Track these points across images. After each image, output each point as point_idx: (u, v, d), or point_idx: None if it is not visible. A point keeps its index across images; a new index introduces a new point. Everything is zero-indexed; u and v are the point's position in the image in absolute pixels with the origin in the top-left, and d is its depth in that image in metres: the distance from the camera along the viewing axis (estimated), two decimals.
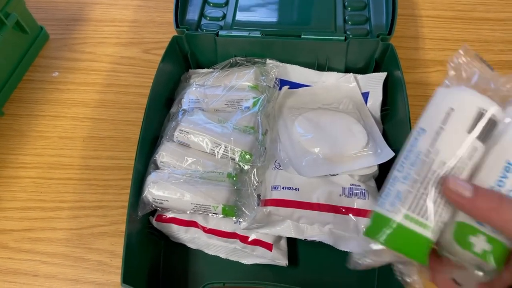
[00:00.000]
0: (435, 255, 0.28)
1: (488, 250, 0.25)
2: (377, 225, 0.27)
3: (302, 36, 0.58)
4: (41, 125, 0.64)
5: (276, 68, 0.58)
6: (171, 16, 0.61)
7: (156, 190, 0.47)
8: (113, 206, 0.56)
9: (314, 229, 0.46)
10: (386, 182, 0.28)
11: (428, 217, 0.26)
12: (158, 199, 0.47)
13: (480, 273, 0.26)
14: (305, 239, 0.46)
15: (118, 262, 0.52)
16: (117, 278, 0.51)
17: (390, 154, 0.49)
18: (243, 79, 0.56)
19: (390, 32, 0.57)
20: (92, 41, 0.73)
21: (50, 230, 0.55)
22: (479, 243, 0.26)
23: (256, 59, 0.59)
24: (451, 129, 0.26)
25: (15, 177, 0.59)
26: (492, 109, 0.26)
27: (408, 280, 0.27)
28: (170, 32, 0.61)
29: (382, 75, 0.56)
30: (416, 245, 0.26)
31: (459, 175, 0.26)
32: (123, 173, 0.58)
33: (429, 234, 0.26)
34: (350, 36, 0.58)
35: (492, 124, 0.26)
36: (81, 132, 0.63)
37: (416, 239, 0.26)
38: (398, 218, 0.26)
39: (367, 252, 0.27)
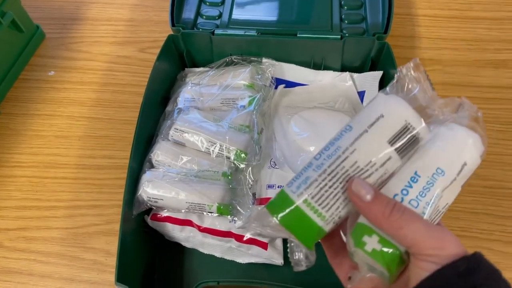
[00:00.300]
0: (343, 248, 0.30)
1: (377, 250, 0.26)
2: (279, 202, 0.28)
3: (298, 35, 0.58)
4: (37, 124, 0.64)
5: (272, 67, 0.58)
6: (167, 15, 0.61)
7: (150, 189, 0.47)
8: (108, 205, 0.56)
9: None
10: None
11: (325, 208, 0.27)
12: (152, 198, 0.47)
13: (370, 274, 0.27)
14: None
15: (113, 261, 0.51)
16: (112, 277, 0.51)
17: None
18: (238, 78, 0.56)
19: (386, 31, 0.57)
20: (88, 40, 0.72)
21: (45, 229, 0.55)
22: (371, 243, 0.27)
23: (252, 58, 0.59)
24: (374, 134, 0.27)
25: (11, 176, 0.59)
26: (419, 127, 0.27)
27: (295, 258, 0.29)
28: (166, 31, 0.61)
29: (378, 74, 0.56)
30: (307, 229, 0.27)
31: (366, 178, 0.27)
32: (119, 172, 0.58)
33: (321, 223, 0.27)
34: (346, 34, 0.58)
35: (414, 141, 0.27)
36: (77, 131, 0.63)
37: (308, 225, 0.27)
38: (298, 201, 0.27)
39: (265, 225, 0.28)
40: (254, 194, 0.49)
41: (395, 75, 0.29)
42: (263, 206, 0.29)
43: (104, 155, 0.60)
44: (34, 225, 0.55)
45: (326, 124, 0.53)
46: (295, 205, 0.27)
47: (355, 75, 0.59)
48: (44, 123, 0.64)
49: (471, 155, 0.28)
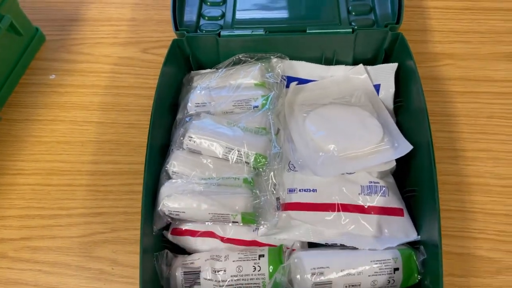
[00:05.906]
0: None
1: None
2: None
3: (307, 31, 0.56)
4: (38, 129, 0.62)
5: (281, 63, 0.56)
6: (169, 14, 0.58)
7: (171, 203, 0.44)
8: (114, 212, 0.54)
9: (334, 231, 0.44)
10: None
11: None
12: (174, 211, 0.44)
13: None
14: (325, 243, 0.44)
15: (120, 271, 0.50)
16: (119, 287, 0.49)
17: (408, 147, 0.47)
18: (248, 77, 0.54)
19: (398, 21, 0.55)
20: (89, 42, 0.70)
21: (50, 238, 0.53)
22: None
23: (260, 55, 0.57)
24: None
25: (13, 184, 0.57)
26: None
27: None
28: (168, 30, 0.59)
29: (394, 65, 0.54)
30: None
31: None
32: (124, 178, 0.56)
33: None
34: (356, 27, 0.56)
35: None
36: (79, 136, 0.60)
37: None
38: None
39: None
40: (278, 199, 0.46)
41: None
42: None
43: (108, 160, 0.58)
44: (38, 234, 0.53)
45: (343, 120, 0.51)
46: None
47: (369, 67, 0.56)
48: (46, 128, 0.62)
49: None
